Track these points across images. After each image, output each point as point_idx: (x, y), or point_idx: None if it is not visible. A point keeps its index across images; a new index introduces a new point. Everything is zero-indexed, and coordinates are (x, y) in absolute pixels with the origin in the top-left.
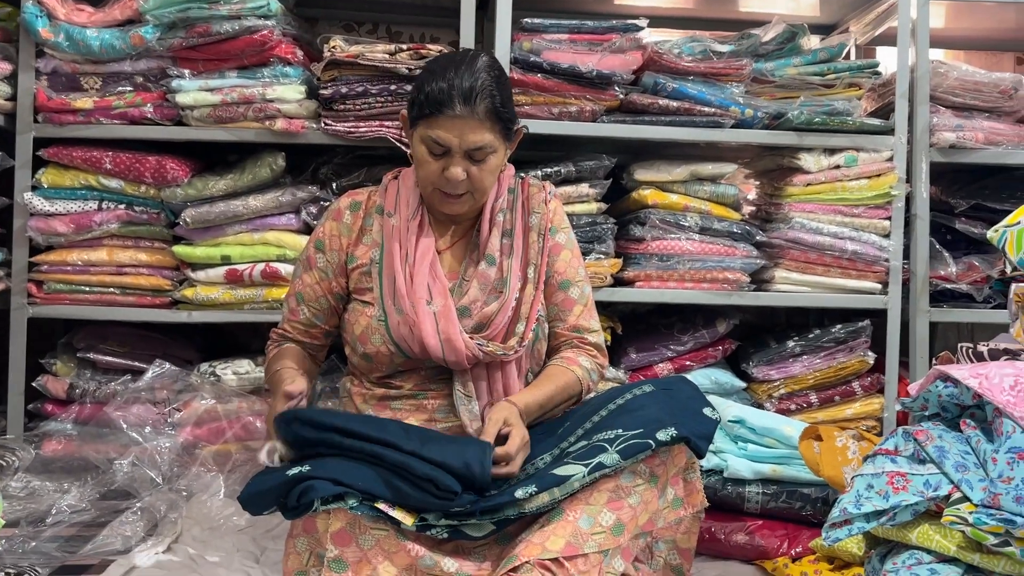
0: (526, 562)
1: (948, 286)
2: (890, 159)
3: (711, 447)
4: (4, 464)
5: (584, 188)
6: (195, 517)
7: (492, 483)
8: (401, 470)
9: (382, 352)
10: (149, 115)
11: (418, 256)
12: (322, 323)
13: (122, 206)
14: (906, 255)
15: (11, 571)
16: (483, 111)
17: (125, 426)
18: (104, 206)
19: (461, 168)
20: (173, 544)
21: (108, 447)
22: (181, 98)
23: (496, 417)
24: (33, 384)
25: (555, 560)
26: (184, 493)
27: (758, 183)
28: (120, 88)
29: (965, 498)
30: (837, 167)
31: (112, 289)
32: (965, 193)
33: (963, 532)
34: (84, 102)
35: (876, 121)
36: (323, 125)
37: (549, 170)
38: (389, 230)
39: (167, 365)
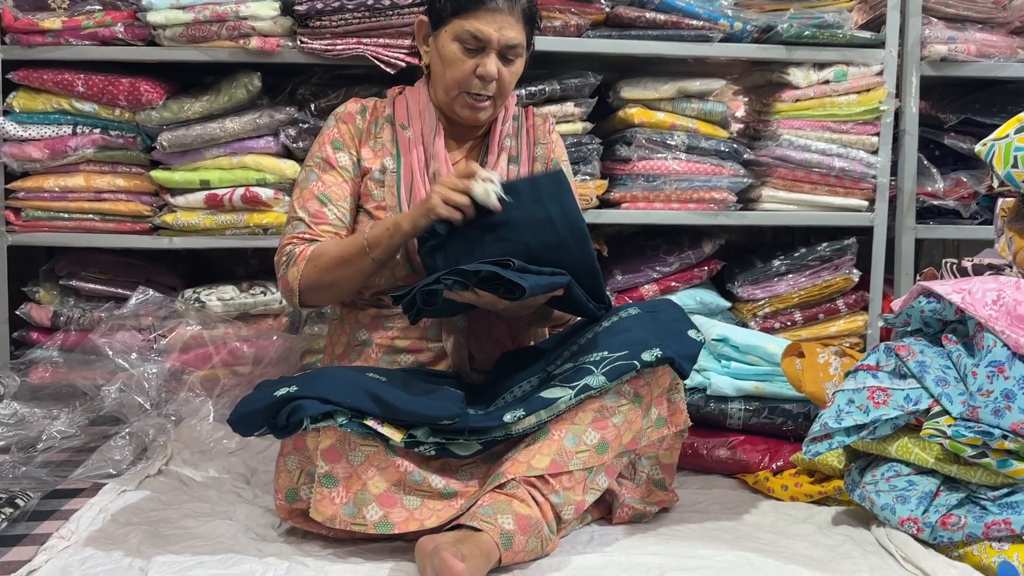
0: (512, 479)
1: (935, 202)
2: (880, 73)
3: (695, 366)
4: None
5: (569, 107)
6: (184, 441)
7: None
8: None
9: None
10: (120, 35)
11: (446, 171)
12: (350, 224)
13: (97, 130)
14: (893, 171)
15: (3, 495)
16: (520, 10)
17: (111, 353)
18: (79, 130)
19: (495, 65)
20: (164, 467)
21: (95, 374)
22: (152, 16)
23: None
24: (17, 312)
25: (541, 477)
26: (173, 418)
27: (747, 100)
28: (89, 7)
29: (944, 412)
30: (826, 82)
31: (91, 215)
32: (955, 107)
33: (941, 445)
34: (52, 22)
35: (866, 34)
36: (299, 43)
37: (533, 88)
38: (405, 141)
39: (151, 292)
